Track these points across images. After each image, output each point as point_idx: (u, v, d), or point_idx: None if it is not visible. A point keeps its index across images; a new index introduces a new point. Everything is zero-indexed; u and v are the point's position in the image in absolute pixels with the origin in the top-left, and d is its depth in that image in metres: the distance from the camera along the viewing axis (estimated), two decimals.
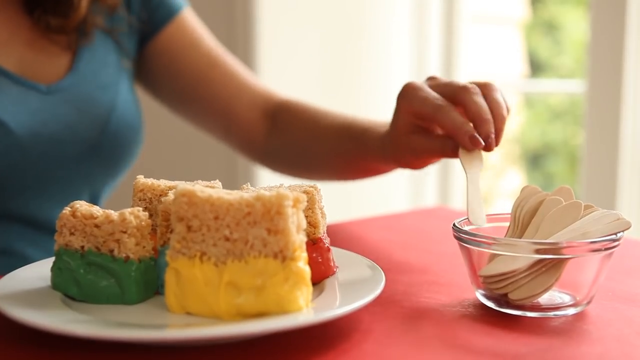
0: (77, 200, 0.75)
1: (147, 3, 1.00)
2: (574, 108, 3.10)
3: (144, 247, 0.58)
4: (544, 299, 0.60)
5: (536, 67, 3.34)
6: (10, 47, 0.89)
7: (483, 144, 0.71)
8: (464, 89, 0.74)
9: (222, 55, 1.04)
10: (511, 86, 2.98)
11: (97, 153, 0.93)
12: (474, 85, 0.74)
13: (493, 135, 0.72)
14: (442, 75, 0.83)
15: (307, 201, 0.61)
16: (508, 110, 0.75)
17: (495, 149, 0.72)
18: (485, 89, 0.75)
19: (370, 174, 0.93)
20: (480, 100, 0.73)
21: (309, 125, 0.98)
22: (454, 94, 0.74)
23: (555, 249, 0.56)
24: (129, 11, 0.99)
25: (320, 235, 0.62)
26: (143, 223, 0.58)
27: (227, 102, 1.02)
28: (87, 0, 0.92)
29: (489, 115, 0.72)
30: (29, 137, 0.86)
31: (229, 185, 0.65)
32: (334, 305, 0.55)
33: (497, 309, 0.60)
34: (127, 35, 0.99)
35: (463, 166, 0.71)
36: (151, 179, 0.64)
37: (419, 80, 0.80)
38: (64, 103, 0.90)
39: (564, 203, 0.62)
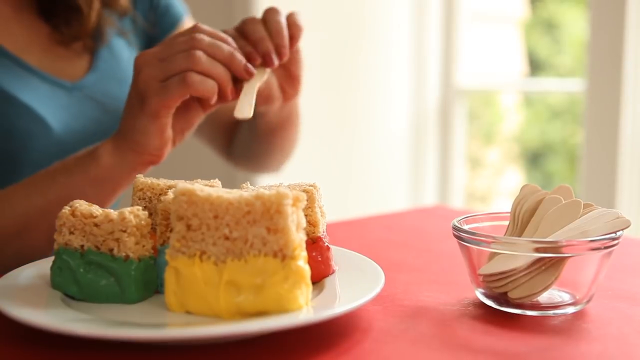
0: None
1: (156, 8, 1.03)
2: (573, 107, 3.10)
3: (143, 246, 0.58)
4: (544, 298, 0.60)
5: (535, 66, 3.34)
6: (32, 50, 0.91)
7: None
8: (242, 22, 0.79)
9: None
10: (511, 85, 2.98)
11: None
12: (253, 16, 0.79)
13: (271, 52, 0.76)
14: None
15: (307, 200, 0.61)
16: (295, 27, 0.79)
17: (279, 61, 0.78)
18: (266, 14, 0.79)
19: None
20: (255, 26, 0.78)
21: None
22: (240, 30, 0.79)
23: (554, 247, 0.56)
24: (135, 10, 1.01)
25: (319, 234, 0.62)
26: (142, 222, 0.58)
27: (216, 110, 1.04)
28: (97, 10, 0.94)
29: (261, 34, 0.77)
30: (64, 132, 0.88)
31: (228, 184, 0.65)
32: (334, 304, 0.55)
33: (497, 307, 0.60)
34: (135, 34, 1.02)
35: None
36: (150, 177, 0.64)
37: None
38: (88, 99, 0.93)
39: (564, 202, 0.62)
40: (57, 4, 0.92)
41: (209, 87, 0.71)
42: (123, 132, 0.76)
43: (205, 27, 0.75)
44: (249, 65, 0.74)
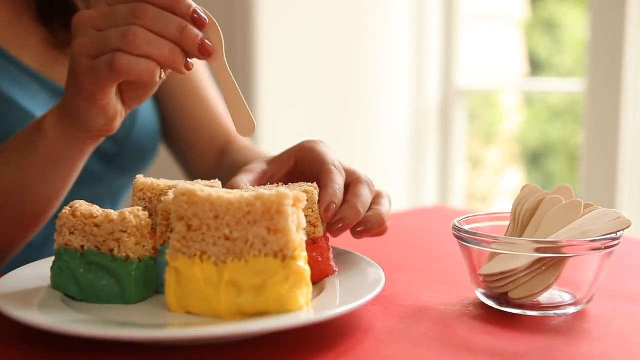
0: (100, 203, 0.74)
1: None
2: (573, 107, 3.10)
3: (143, 246, 0.58)
4: (544, 298, 0.60)
5: (536, 66, 3.34)
6: (32, 54, 0.90)
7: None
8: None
9: (199, 84, 1.01)
10: (511, 85, 2.98)
11: (121, 160, 0.95)
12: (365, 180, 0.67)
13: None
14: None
15: (307, 200, 0.61)
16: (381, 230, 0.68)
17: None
18: (377, 196, 0.69)
19: None
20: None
21: (233, 167, 0.94)
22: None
23: (555, 247, 0.56)
24: None
25: (320, 235, 0.62)
26: (143, 222, 0.58)
27: (189, 134, 1.02)
28: None
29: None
30: None
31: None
32: (334, 304, 0.55)
33: (497, 307, 0.60)
34: None
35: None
36: (151, 178, 0.64)
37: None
38: None
39: (564, 202, 0.62)
40: (55, 7, 0.91)
41: (142, 70, 0.61)
42: (66, 106, 0.68)
43: None
44: (206, 41, 0.62)
